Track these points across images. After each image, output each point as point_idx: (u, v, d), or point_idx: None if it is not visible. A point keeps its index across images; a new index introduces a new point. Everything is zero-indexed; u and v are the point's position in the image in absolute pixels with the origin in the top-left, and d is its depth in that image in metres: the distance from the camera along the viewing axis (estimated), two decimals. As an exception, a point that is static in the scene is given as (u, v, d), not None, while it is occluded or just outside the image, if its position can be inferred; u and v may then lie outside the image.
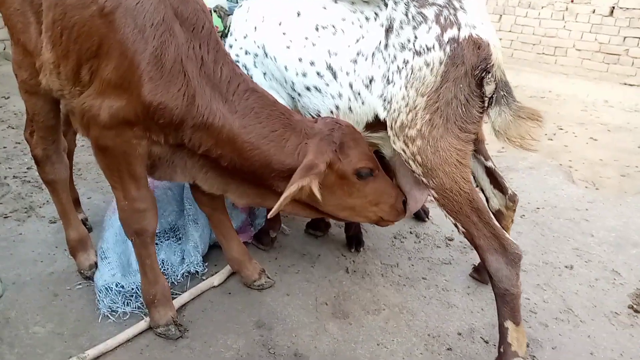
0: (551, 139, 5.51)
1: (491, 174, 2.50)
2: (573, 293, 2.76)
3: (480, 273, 2.82)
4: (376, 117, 2.17)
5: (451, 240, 3.26)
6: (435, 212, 3.61)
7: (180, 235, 2.95)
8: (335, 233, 3.29)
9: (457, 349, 2.37)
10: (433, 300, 2.68)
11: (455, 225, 2.08)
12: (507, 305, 2.06)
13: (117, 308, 2.45)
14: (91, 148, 2.08)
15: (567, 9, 8.06)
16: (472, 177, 2.04)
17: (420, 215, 3.51)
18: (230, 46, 2.61)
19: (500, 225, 2.51)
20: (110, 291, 2.47)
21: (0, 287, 2.57)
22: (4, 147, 4.36)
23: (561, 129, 5.86)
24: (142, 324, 2.35)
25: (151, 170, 2.16)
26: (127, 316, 2.44)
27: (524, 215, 3.59)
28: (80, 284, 2.65)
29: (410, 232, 3.31)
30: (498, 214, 2.52)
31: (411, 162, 2.05)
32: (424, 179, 2.04)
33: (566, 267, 3.00)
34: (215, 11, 2.82)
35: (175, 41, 1.84)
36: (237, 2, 3.19)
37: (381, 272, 2.90)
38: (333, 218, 2.37)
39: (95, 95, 1.91)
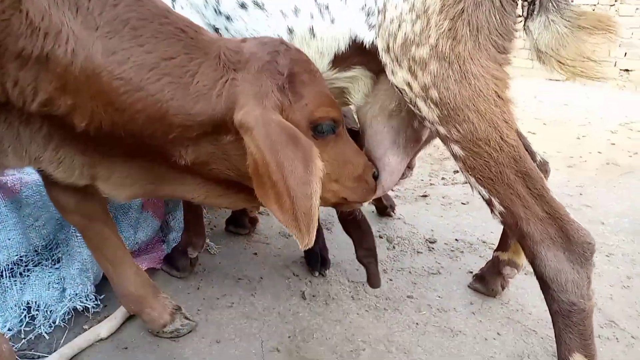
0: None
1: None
2: (607, 299, 2.08)
3: (485, 282, 2.07)
4: (354, 43, 1.37)
5: (433, 242, 2.49)
6: (407, 209, 2.85)
7: (60, 255, 1.97)
8: (280, 245, 2.41)
9: (482, 401, 1.58)
10: (429, 327, 1.88)
11: (489, 202, 1.31)
12: (574, 327, 1.31)
13: None
14: None
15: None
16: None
17: (384, 208, 2.72)
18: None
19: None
20: None
21: None
22: None
23: (497, 124, 5.53)
24: None
25: None
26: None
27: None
28: None
29: (380, 236, 2.51)
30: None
31: (420, 103, 1.25)
32: (441, 129, 1.25)
33: (584, 265, 2.32)
34: None
35: None
36: None
37: (350, 294, 2.05)
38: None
39: None
